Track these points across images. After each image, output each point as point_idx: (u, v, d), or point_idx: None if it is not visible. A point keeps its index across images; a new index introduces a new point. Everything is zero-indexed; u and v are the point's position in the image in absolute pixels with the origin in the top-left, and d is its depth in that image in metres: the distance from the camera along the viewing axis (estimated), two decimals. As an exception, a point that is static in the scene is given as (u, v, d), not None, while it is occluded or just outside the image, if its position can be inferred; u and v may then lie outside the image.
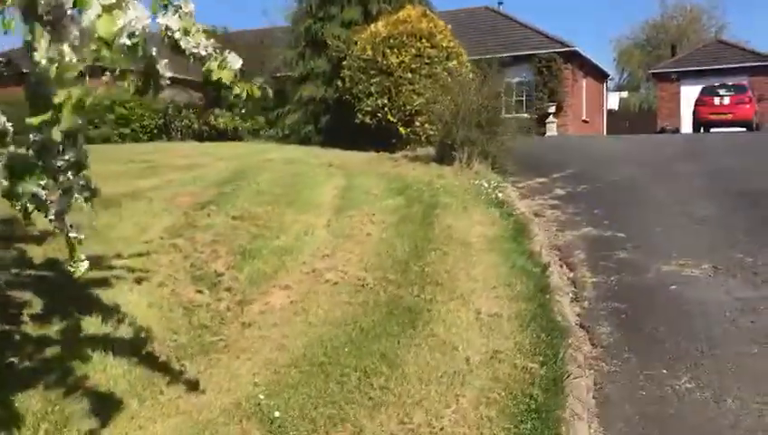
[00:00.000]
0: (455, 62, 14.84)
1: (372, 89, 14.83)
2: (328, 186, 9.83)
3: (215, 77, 2.47)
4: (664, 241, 7.74)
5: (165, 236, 7.00)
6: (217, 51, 2.55)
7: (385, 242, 7.00)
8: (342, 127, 15.98)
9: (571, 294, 6.30)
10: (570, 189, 10.95)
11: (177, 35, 2.52)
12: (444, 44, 14.93)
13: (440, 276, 6.03)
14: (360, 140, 15.49)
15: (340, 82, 15.98)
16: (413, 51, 14.64)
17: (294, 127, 18.04)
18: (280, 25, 20.82)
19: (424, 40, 14.75)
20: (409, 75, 14.51)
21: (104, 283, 5.71)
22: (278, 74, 20.69)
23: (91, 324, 4.89)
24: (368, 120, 14.98)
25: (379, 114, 14.78)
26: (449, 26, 16.02)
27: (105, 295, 5.48)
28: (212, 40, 2.54)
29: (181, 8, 2.59)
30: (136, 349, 4.54)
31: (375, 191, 9.45)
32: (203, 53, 2.50)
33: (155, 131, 23.77)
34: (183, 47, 2.53)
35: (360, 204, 8.67)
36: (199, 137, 21.97)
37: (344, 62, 15.81)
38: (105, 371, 4.26)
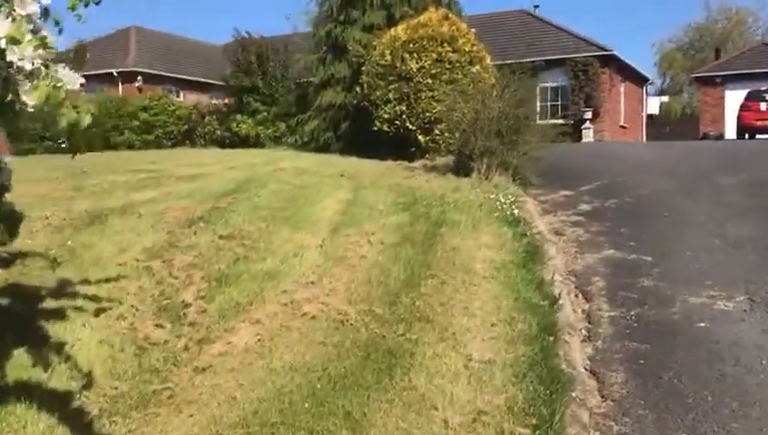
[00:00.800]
0: (477, 66, 14.10)
1: (390, 95, 14.18)
2: (332, 199, 9.20)
3: (30, 98, 1.84)
4: (694, 267, 6.91)
5: (142, 257, 6.47)
6: (49, 66, 1.91)
7: (379, 267, 6.33)
8: (362, 134, 15.38)
9: (583, 331, 5.55)
10: (596, 204, 10.14)
11: (1, 44, 1.91)
12: (466, 49, 14.19)
13: (432, 311, 5.33)
14: (379, 148, 14.87)
15: (358, 89, 15.37)
16: (433, 55, 13.95)
17: (314, 134, 17.49)
18: (302, 31, 20.31)
19: (445, 44, 14.04)
20: (429, 81, 13.82)
21: (60, 315, 5.17)
22: (301, 80, 20.21)
23: (26, 368, 4.34)
24: (386, 127, 14.34)
25: (398, 122, 14.12)
26: (474, 30, 15.30)
27: (55, 330, 4.94)
28: (40, 51, 1.90)
29: (15, 10, 1.97)
30: (65, 401, 3.96)
31: (380, 206, 8.79)
32: (28, 66, 1.87)
33: (178, 138, 23.55)
34: (8, 59, 1.91)
35: (362, 221, 8.03)
36: (221, 143, 21.64)
37: (363, 68, 15.20)
38: (25, 428, 3.69)
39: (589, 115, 25.47)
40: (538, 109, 23.44)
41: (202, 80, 31.11)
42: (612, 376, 4.75)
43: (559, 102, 26.64)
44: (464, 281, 6.01)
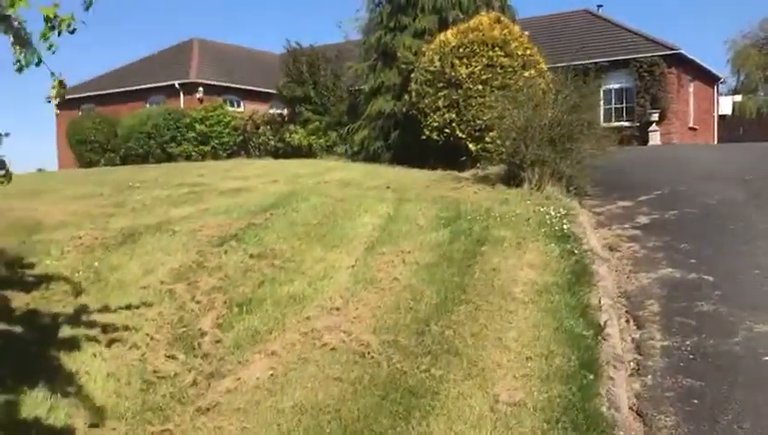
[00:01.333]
0: (531, 71, 13.51)
1: (440, 103, 13.74)
2: (372, 214, 8.84)
3: None
4: (762, 290, 6.25)
5: (167, 280, 6.27)
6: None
7: (410, 290, 5.94)
8: (412, 143, 15.00)
9: (631, 364, 5.03)
10: (656, 216, 9.48)
11: None
12: (519, 52, 13.62)
13: (463, 342, 4.90)
14: (429, 158, 14.47)
15: (407, 96, 15.00)
16: (484, 60, 13.44)
17: (363, 143, 17.18)
18: (354, 39, 20.04)
19: (497, 48, 13.51)
20: (479, 87, 13.32)
21: (72, 345, 5.00)
22: (353, 89, 19.99)
23: (30, 401, 4.14)
24: (435, 136, 13.91)
25: (447, 130, 13.67)
26: (527, 33, 14.72)
27: (67, 361, 4.76)
28: None
29: None
30: (57, 443, 3.73)
31: (421, 221, 8.39)
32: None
33: (234, 148, 23.67)
34: None
35: (400, 238, 7.65)
36: (275, 154, 21.61)
37: (412, 75, 14.82)
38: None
39: (655, 117, 24.31)
40: (602, 112, 22.56)
41: (262, 89, 31.34)
42: (661, 419, 4.24)
43: (624, 105, 25.56)
44: (500, 307, 5.56)
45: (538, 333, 5.09)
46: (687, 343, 5.25)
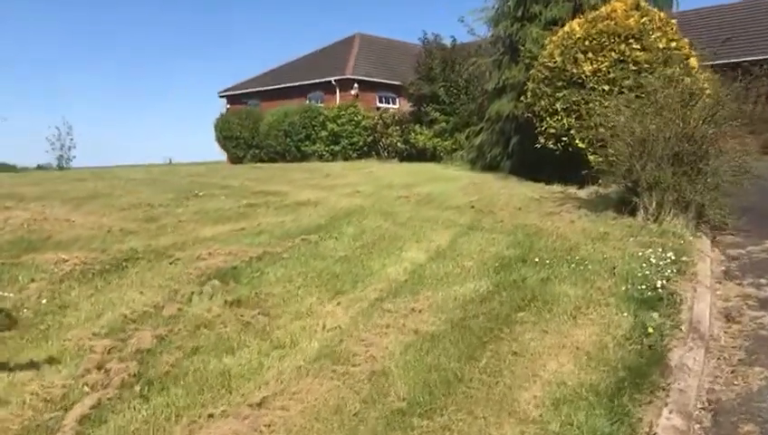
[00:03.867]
0: (676, 68, 10.89)
1: (558, 105, 11.57)
2: (419, 248, 7.17)
3: None
4: None
5: (101, 332, 5.10)
6: None
7: (376, 382, 4.24)
8: (529, 151, 12.93)
9: None
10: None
11: None
12: (660, 45, 11.07)
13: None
14: (546, 169, 12.35)
15: (523, 97, 12.93)
16: (614, 55, 11.08)
17: (482, 149, 15.27)
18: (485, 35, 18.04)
19: (631, 40, 11.09)
20: (606, 87, 10.99)
21: None
22: (483, 87, 18.07)
23: None
24: (551, 144, 11.76)
25: (565, 138, 11.47)
26: (674, 21, 12.04)
27: None
28: None
29: None
30: None
31: (470, 262, 6.57)
32: None
33: (364, 149, 22.67)
34: None
35: (425, 287, 5.92)
36: (402, 156, 20.28)
37: (530, 72, 12.74)
38: None
39: None
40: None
41: (388, 81, 30.11)
42: None
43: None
44: None
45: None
46: None
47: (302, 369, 4.44)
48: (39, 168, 40.29)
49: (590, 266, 6.34)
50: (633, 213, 8.48)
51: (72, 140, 30.71)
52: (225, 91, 36.60)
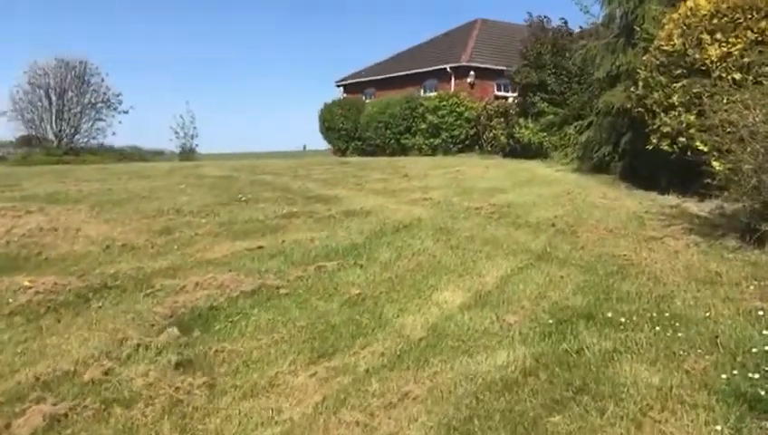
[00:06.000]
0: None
1: (675, 98, 9.41)
2: (457, 286, 5.58)
3: None
4: None
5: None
6: None
7: None
8: (641, 153, 10.82)
9: None
10: None
11: None
12: (815, 20, 8.68)
13: None
14: (662, 175, 10.26)
15: (634, 87, 10.80)
16: (750, 35, 8.81)
17: (588, 146, 13.17)
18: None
19: (775, 16, 8.78)
20: (737, 76, 8.74)
21: None
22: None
23: None
24: (665, 145, 9.60)
25: (683, 138, 9.30)
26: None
27: None
28: None
29: None
30: None
31: (514, 316, 4.91)
32: None
33: (466, 142, 20.91)
34: None
35: (443, 352, 4.35)
36: (504, 151, 18.38)
37: (644, 58, 10.60)
38: None
39: None
40: None
41: (495, 67, 27.89)
42: None
43: None
44: None
45: None
46: None
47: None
48: (157, 154, 41.60)
49: (682, 331, 4.51)
50: (761, 244, 6.42)
51: (195, 128, 31.30)
52: (343, 80, 35.80)
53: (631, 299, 5.18)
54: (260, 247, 6.87)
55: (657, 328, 4.55)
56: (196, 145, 36.80)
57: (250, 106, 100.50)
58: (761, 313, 4.75)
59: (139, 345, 4.54)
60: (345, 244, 6.92)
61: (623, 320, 4.71)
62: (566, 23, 18.22)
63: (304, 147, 32.22)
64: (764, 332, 4.44)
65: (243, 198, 9.67)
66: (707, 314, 4.78)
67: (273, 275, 5.90)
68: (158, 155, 41.93)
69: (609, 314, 4.83)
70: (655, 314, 4.79)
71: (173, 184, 12.06)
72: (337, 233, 7.47)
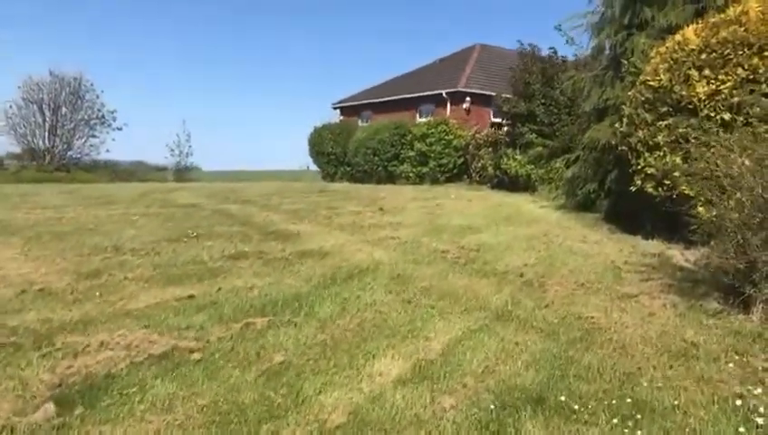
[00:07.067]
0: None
1: (660, 138, 8.79)
2: (397, 353, 4.90)
3: None
4: None
5: None
6: None
7: None
8: (625, 193, 10.18)
9: None
10: None
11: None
12: (809, 58, 8.07)
13: None
14: (647, 216, 9.63)
15: (618, 123, 10.19)
16: (740, 72, 8.20)
17: (573, 182, 12.53)
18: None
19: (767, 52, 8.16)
20: (726, 116, 8.14)
21: None
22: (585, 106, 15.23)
23: None
24: (650, 188, 8.97)
25: (668, 181, 8.66)
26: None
27: None
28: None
29: None
30: None
31: (452, 398, 4.21)
32: None
33: (454, 172, 20.28)
34: None
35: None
36: (492, 183, 17.74)
37: (629, 93, 10.00)
38: None
39: None
40: None
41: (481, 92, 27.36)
42: None
43: None
44: None
45: None
46: None
47: None
48: (160, 170, 41.33)
49: (643, 426, 3.82)
50: (746, 307, 5.76)
51: (190, 147, 30.90)
52: (339, 102, 35.32)
53: (591, 377, 4.50)
54: (190, 297, 6.20)
55: (615, 420, 3.86)
56: (192, 163, 36.31)
57: (265, 124, 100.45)
58: (739, 402, 4.07)
59: (3, 428, 3.86)
60: (287, 294, 6.25)
61: (576, 407, 4.03)
62: (555, 52, 17.69)
63: (308, 167, 31.53)
64: (741, 429, 3.76)
65: (193, 234, 9.02)
66: (676, 402, 4.10)
67: (192, 333, 5.23)
68: (160, 171, 41.55)
69: (563, 398, 4.15)
70: (615, 401, 4.11)
71: (130, 214, 11.40)
72: (283, 279, 6.80)
